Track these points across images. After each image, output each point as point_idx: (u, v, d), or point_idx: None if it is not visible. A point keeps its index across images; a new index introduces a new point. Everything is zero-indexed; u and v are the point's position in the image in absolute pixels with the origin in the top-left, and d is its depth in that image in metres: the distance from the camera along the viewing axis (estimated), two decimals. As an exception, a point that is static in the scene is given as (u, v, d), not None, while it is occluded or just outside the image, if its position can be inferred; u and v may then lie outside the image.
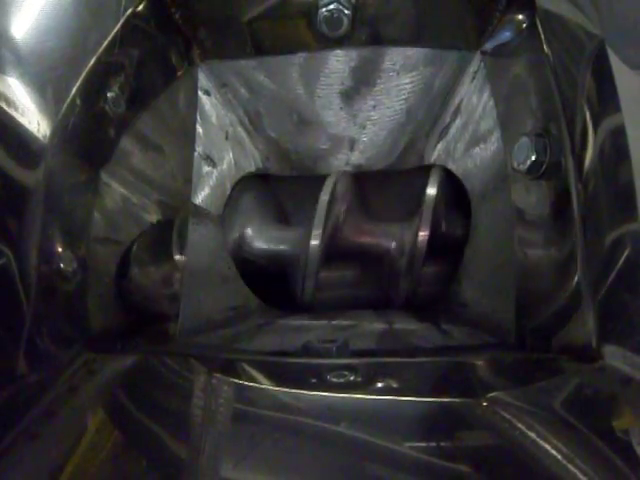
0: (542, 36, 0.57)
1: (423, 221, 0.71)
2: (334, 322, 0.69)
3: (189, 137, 0.71)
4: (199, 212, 0.70)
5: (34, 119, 0.52)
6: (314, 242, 0.70)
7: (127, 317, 0.64)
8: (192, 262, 0.66)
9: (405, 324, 0.69)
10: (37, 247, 0.52)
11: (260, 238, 0.77)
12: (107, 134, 0.61)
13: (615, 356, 0.48)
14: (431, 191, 0.72)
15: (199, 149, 0.71)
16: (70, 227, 0.56)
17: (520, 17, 0.62)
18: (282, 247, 0.77)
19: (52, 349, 0.53)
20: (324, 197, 0.72)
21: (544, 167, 0.57)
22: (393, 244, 0.75)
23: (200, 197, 0.71)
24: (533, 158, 0.57)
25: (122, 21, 0.59)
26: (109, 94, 0.60)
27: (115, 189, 0.62)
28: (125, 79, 0.61)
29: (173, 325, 0.64)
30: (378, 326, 0.68)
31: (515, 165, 0.59)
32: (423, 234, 0.71)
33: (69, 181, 0.56)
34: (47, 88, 0.53)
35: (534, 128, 0.59)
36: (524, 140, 0.58)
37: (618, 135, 0.54)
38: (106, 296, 0.62)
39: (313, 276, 0.71)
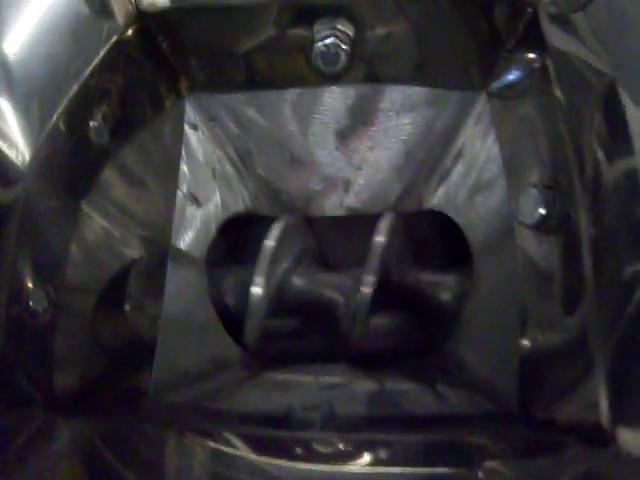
0: (553, 77, 0.54)
1: (367, 270, 0.65)
2: (321, 378, 0.65)
3: (175, 173, 0.68)
4: (180, 256, 0.66)
5: (13, 144, 0.50)
6: (255, 288, 0.66)
7: (98, 364, 0.60)
8: (169, 310, 0.63)
9: (397, 384, 0.64)
10: (7, 282, 0.49)
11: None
12: (89, 164, 0.58)
13: (632, 441, 0.43)
14: (378, 238, 0.66)
15: (183, 188, 0.68)
16: (44, 260, 0.53)
17: (530, 56, 0.58)
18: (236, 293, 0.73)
19: (7, 402, 0.49)
20: (269, 241, 0.67)
21: (552, 221, 0.53)
22: (341, 296, 0.70)
23: (182, 239, 0.67)
24: (541, 212, 0.54)
25: (106, 48, 0.57)
26: (92, 123, 0.57)
27: (96, 221, 0.59)
28: (109, 108, 0.59)
29: (147, 377, 0.61)
30: (368, 385, 0.63)
31: (521, 218, 0.56)
32: (367, 285, 0.65)
33: (47, 210, 0.54)
34: (28, 113, 0.52)
35: (542, 178, 0.55)
36: (532, 192, 0.55)
37: (632, 181, 0.49)
38: (78, 338, 0.58)
39: (254, 326, 0.67)
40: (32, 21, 0.54)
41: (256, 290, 0.66)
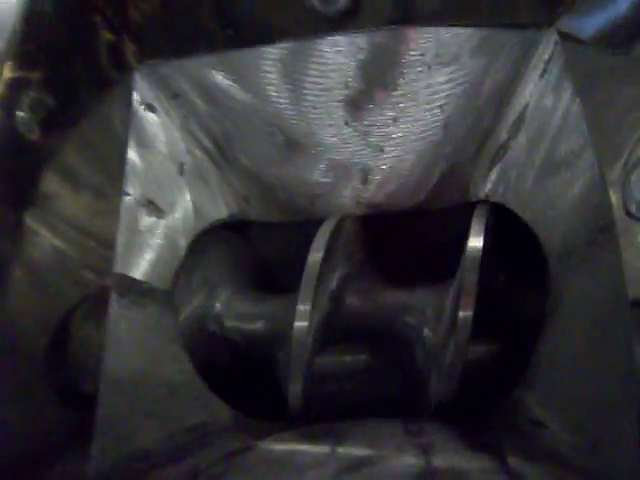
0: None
1: (465, 288, 0.51)
2: (340, 450, 0.47)
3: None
4: (132, 288, 0.51)
5: None
6: (299, 323, 0.52)
7: (42, 435, 0.47)
8: (116, 368, 0.47)
9: (450, 458, 0.46)
10: None
11: (233, 316, 0.60)
12: (26, 167, 0.50)
13: None
14: (475, 243, 0.53)
15: (135, 191, 0.52)
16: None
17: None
18: (262, 327, 0.60)
19: None
20: (315, 255, 0.54)
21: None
22: (419, 321, 0.57)
23: (134, 264, 0.51)
24: None
25: (20, 17, 0.48)
26: (18, 113, 0.48)
27: (45, 238, 0.50)
28: (37, 93, 0.49)
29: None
30: (408, 462, 0.45)
31: (632, 209, 0.39)
32: (465, 307, 0.51)
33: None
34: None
35: None
36: None
37: None
38: (20, 396, 0.47)
39: (300, 370, 0.53)
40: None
41: (301, 325, 0.53)
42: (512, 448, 0.46)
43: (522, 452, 0.45)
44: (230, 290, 0.61)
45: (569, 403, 0.46)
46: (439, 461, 0.45)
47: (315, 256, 0.54)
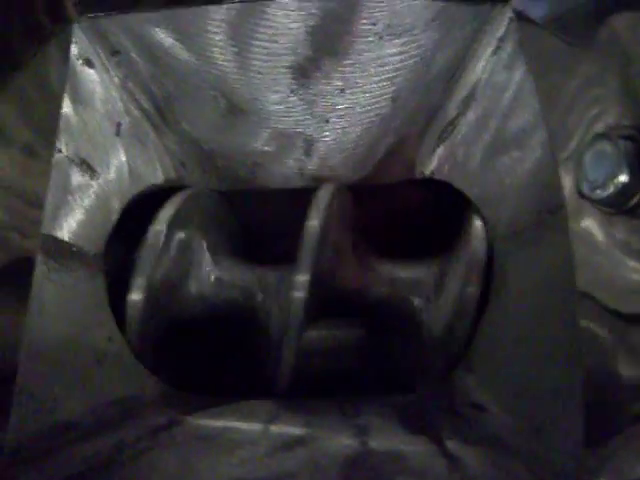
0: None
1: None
2: (273, 429, 0.46)
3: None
4: (60, 250, 0.47)
5: None
6: (297, 293, 0.52)
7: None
8: (39, 334, 0.43)
9: (387, 440, 0.45)
10: None
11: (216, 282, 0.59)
12: None
13: None
14: (312, 222, 0.52)
15: (66, 149, 0.48)
16: None
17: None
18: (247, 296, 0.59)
19: None
20: (313, 222, 0.52)
21: (640, 194, 0.36)
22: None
23: (64, 226, 0.48)
24: (621, 179, 0.36)
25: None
26: None
27: None
28: None
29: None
30: (343, 442, 0.44)
31: (585, 189, 0.37)
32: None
33: None
34: None
35: (618, 125, 0.37)
36: (602, 147, 0.37)
37: None
38: None
39: (295, 342, 0.53)
40: None
41: (299, 296, 0.51)
42: (451, 431, 0.45)
43: (461, 436, 0.45)
44: (214, 256, 0.59)
45: (511, 387, 0.45)
46: (375, 443, 0.44)
47: (313, 224, 0.52)
